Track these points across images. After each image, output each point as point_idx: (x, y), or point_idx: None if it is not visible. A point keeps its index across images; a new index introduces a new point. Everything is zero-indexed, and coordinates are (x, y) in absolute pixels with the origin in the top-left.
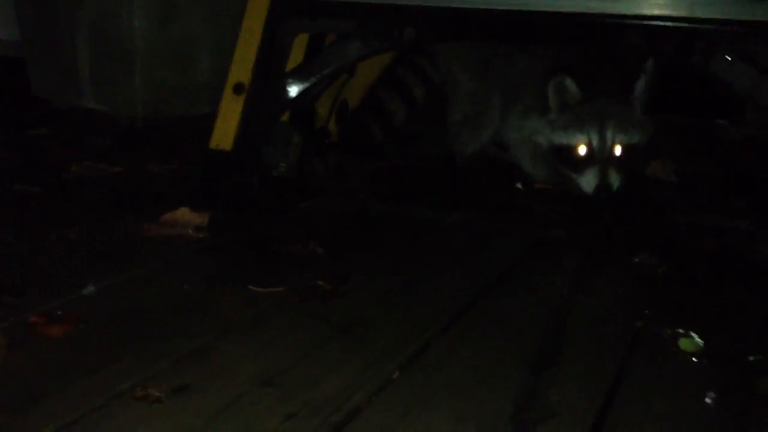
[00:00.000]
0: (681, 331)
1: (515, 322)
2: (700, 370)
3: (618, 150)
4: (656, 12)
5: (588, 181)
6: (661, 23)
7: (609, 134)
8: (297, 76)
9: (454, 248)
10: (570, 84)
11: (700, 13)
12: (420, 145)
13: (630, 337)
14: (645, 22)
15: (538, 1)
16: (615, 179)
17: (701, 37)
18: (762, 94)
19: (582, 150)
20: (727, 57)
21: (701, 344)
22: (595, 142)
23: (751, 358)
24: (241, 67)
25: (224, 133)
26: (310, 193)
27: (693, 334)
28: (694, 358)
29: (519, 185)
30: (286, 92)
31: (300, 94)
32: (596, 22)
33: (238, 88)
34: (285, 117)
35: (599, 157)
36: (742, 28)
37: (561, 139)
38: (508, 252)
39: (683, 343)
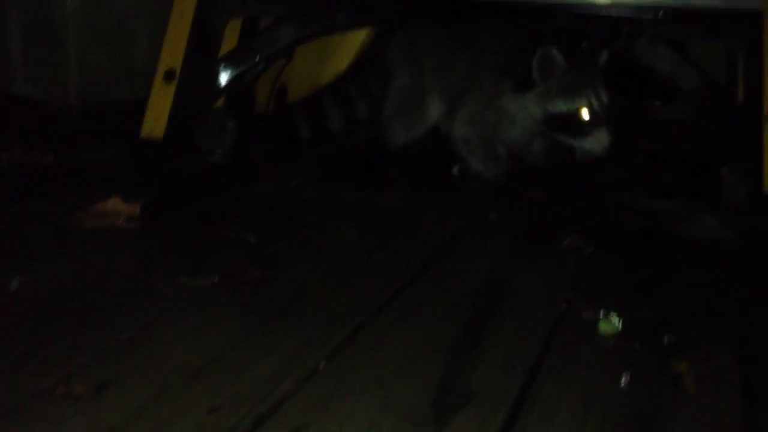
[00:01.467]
0: (602, 313)
1: (445, 305)
2: (616, 352)
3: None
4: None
5: (599, 140)
6: (590, 9)
7: (602, 96)
8: (230, 61)
9: (388, 230)
10: (557, 54)
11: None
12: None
13: (553, 319)
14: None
15: None
16: (611, 137)
17: (626, 22)
18: (682, 78)
19: (585, 113)
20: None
21: (619, 326)
22: (595, 105)
23: (666, 338)
24: (172, 54)
25: (155, 122)
26: (247, 179)
27: (613, 316)
28: (612, 340)
29: (455, 171)
30: (219, 78)
31: (234, 80)
32: (528, 6)
33: (168, 75)
34: (220, 103)
35: (602, 118)
36: (664, 13)
37: (560, 106)
38: (443, 233)
39: (602, 325)
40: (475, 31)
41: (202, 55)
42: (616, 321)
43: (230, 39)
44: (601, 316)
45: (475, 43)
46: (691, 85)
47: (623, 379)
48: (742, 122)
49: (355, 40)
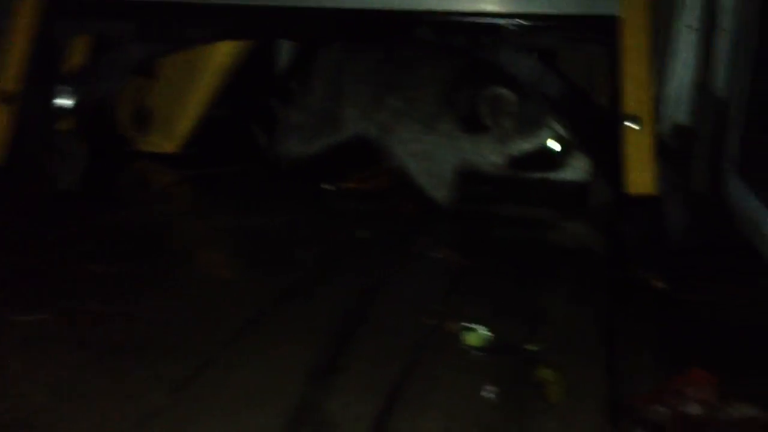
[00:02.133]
0: (468, 325)
1: (306, 329)
2: (481, 365)
3: None
4: (444, 7)
5: (581, 167)
6: (451, 18)
7: (562, 121)
8: (75, 80)
9: (253, 254)
10: (507, 93)
11: (485, 8)
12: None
13: (419, 336)
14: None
15: None
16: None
17: (487, 32)
18: (546, 86)
19: (554, 144)
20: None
21: (486, 337)
22: (561, 131)
23: (528, 348)
24: (8, 74)
25: None
26: (110, 206)
27: (479, 328)
28: (477, 352)
29: (327, 185)
30: (63, 99)
31: (81, 101)
32: (388, 16)
33: (5, 97)
34: (68, 125)
35: (570, 143)
36: (525, 21)
37: (524, 146)
38: (310, 255)
39: (468, 338)
40: (408, 52)
41: (44, 75)
42: (482, 333)
43: (77, 57)
44: (467, 329)
45: (409, 65)
46: (555, 93)
47: (487, 392)
48: (606, 126)
49: (223, 56)
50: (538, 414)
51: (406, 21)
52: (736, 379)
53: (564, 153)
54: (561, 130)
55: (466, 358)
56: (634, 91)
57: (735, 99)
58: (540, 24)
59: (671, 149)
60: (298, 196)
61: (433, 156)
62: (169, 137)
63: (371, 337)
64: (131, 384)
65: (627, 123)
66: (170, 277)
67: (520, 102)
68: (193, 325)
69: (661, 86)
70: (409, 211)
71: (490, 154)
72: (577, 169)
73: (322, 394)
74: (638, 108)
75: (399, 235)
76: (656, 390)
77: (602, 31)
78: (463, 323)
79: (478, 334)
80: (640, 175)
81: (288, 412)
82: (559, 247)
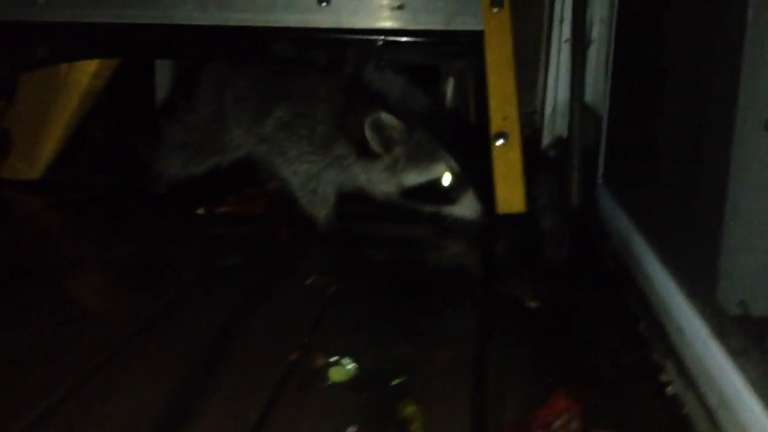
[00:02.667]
0: (334, 359)
1: (159, 371)
2: (345, 402)
3: None
4: (306, 24)
5: (469, 207)
6: (313, 34)
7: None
8: None
9: (108, 288)
10: (388, 119)
11: (348, 24)
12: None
13: (282, 372)
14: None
15: (181, 14)
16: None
17: (351, 47)
18: (411, 102)
19: (447, 179)
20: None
21: (352, 371)
22: (454, 165)
23: (394, 382)
24: None
25: None
26: None
27: (346, 362)
28: (342, 389)
29: (200, 211)
30: None
31: None
32: (248, 33)
33: None
34: None
35: (464, 177)
36: (389, 36)
37: (416, 178)
38: (172, 286)
39: (333, 373)
40: (294, 72)
41: None
42: (348, 367)
43: None
44: (332, 364)
45: (297, 80)
46: (419, 108)
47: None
48: (475, 143)
49: (86, 77)
50: None
51: (264, 37)
52: (603, 404)
53: (457, 188)
54: (454, 165)
55: (329, 396)
56: (500, 108)
57: (606, 111)
58: (406, 40)
59: (551, 162)
60: (171, 219)
61: (318, 176)
62: (30, 163)
63: (230, 377)
64: None
65: (495, 141)
66: (30, 308)
67: (410, 131)
68: (27, 375)
69: (544, 100)
70: (283, 236)
71: (381, 183)
72: (468, 207)
73: None
74: (505, 125)
75: (271, 261)
76: (521, 421)
77: (469, 47)
78: (329, 358)
79: (344, 368)
80: (510, 194)
81: None
82: (435, 267)
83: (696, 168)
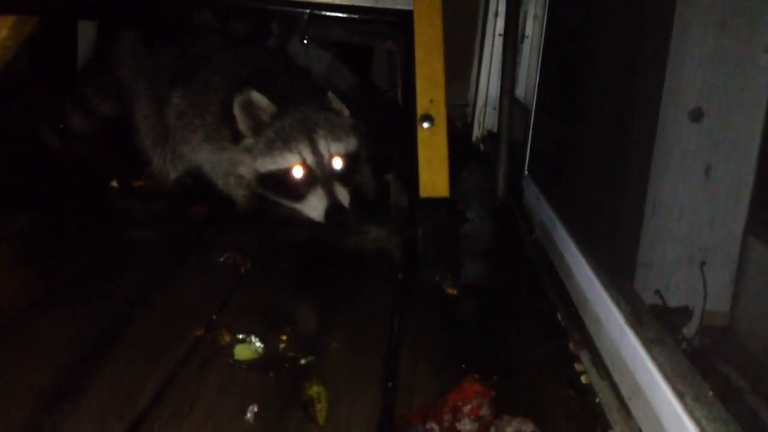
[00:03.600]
0: (241, 336)
1: (50, 345)
2: (248, 381)
3: (338, 162)
4: None
5: (315, 207)
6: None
7: (323, 146)
8: None
9: (10, 257)
10: (258, 98)
11: None
12: None
13: (184, 348)
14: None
15: None
16: (344, 196)
17: (276, 19)
18: (337, 80)
19: (298, 172)
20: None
21: (259, 349)
22: (309, 159)
23: (303, 361)
24: None
25: None
26: None
27: (253, 339)
28: (246, 367)
29: (115, 183)
30: None
31: None
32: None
33: None
34: None
35: (320, 174)
36: (316, 10)
37: (268, 165)
38: (75, 258)
39: (238, 351)
40: (200, 50)
41: None
42: (255, 345)
43: None
44: (239, 341)
45: (200, 66)
46: (345, 86)
47: (249, 411)
48: (402, 125)
49: None
50: None
51: (187, 3)
52: (516, 392)
53: (308, 184)
54: (312, 158)
55: (232, 375)
56: (427, 90)
57: (534, 105)
58: (334, 15)
59: (480, 154)
60: (82, 192)
61: (227, 160)
62: None
63: (126, 351)
64: None
65: (421, 123)
66: None
67: (279, 115)
68: None
69: (476, 93)
70: (199, 213)
71: (240, 166)
72: (313, 207)
73: (53, 419)
74: (431, 108)
75: (184, 237)
76: (430, 406)
77: (398, 26)
78: (237, 335)
79: (250, 346)
80: (434, 177)
81: None
82: (355, 251)
83: (619, 160)
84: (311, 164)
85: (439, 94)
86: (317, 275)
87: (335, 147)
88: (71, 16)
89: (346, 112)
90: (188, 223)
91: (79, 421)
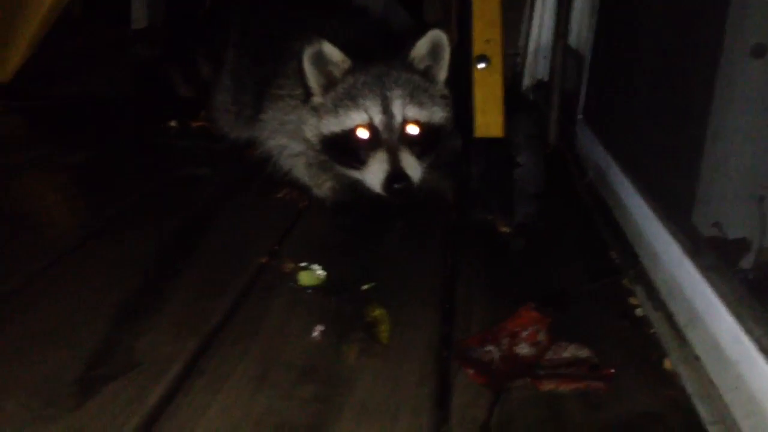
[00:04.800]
0: (303, 264)
1: (121, 266)
2: (313, 304)
3: (413, 129)
4: None
5: (374, 173)
6: None
7: (396, 107)
8: None
9: (63, 188)
10: (330, 50)
11: None
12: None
13: (250, 274)
14: None
15: None
16: (412, 166)
17: None
18: (392, 18)
19: (363, 133)
20: None
21: (322, 276)
22: (377, 119)
23: (364, 287)
24: None
25: None
26: None
27: (315, 267)
28: (310, 291)
29: (173, 123)
30: None
31: None
32: None
33: None
34: None
35: (386, 138)
36: None
37: (331, 125)
38: (136, 190)
39: (302, 277)
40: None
41: None
42: (317, 272)
43: None
44: (302, 268)
45: (296, 29)
46: (401, 26)
47: (315, 331)
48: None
49: None
50: (369, 354)
51: None
52: (570, 322)
53: (370, 147)
54: (380, 119)
55: (297, 297)
56: (483, 31)
57: (589, 51)
58: None
59: (530, 103)
60: (141, 129)
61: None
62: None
63: (196, 274)
64: None
65: (476, 64)
66: None
67: (353, 69)
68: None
69: (527, 42)
70: (252, 155)
71: (307, 129)
72: (374, 176)
73: (131, 333)
74: (487, 48)
75: (242, 175)
76: (489, 330)
77: None
78: (300, 262)
79: (312, 273)
80: (489, 118)
81: (87, 352)
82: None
83: (679, 99)
84: (378, 125)
85: (496, 35)
86: (372, 212)
87: (412, 111)
88: None
89: (441, 78)
90: (246, 163)
91: (155, 336)
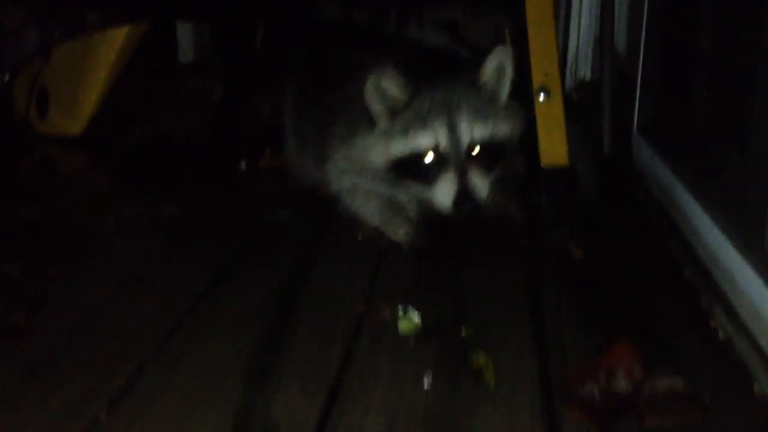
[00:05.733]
0: (400, 310)
1: (236, 324)
2: (417, 352)
3: (478, 147)
4: None
5: (442, 192)
6: None
7: (463, 128)
8: None
9: (168, 248)
10: (394, 76)
11: None
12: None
13: (352, 324)
14: None
15: None
16: (480, 185)
17: (394, 6)
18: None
19: (431, 154)
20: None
21: (419, 323)
22: (444, 141)
23: (464, 330)
24: None
25: None
26: (7, 195)
27: (411, 313)
28: (412, 339)
29: (243, 165)
30: None
31: None
32: None
33: None
34: None
35: (453, 159)
36: None
37: (399, 148)
38: (229, 243)
39: (402, 324)
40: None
41: None
42: (415, 317)
43: None
44: (399, 314)
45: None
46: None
47: (425, 380)
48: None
49: (118, 33)
50: (480, 401)
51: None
52: (657, 351)
53: (436, 168)
54: (445, 140)
55: (401, 346)
56: (541, 64)
57: (641, 56)
58: None
59: (576, 106)
60: (214, 174)
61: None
62: (72, 118)
63: (304, 328)
64: (65, 398)
65: (537, 96)
66: (84, 278)
67: (417, 92)
68: (118, 331)
69: (566, 43)
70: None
71: (373, 153)
72: (443, 195)
73: (263, 394)
74: (546, 80)
75: (318, 216)
76: (586, 368)
77: (509, 4)
78: (394, 308)
79: (411, 321)
80: (553, 146)
81: (231, 415)
82: (476, 218)
83: (746, 112)
84: (445, 147)
85: (554, 69)
86: (446, 241)
87: (478, 130)
88: (198, 18)
89: (505, 92)
90: (318, 202)
91: (284, 394)
